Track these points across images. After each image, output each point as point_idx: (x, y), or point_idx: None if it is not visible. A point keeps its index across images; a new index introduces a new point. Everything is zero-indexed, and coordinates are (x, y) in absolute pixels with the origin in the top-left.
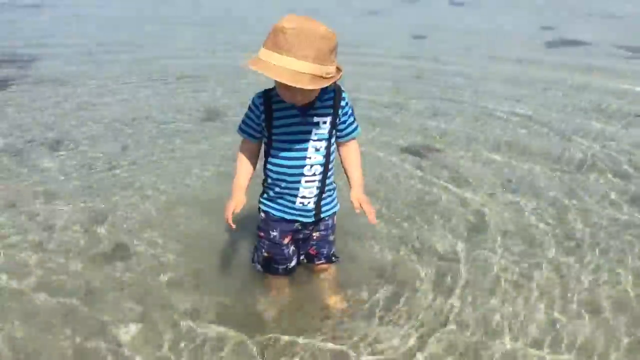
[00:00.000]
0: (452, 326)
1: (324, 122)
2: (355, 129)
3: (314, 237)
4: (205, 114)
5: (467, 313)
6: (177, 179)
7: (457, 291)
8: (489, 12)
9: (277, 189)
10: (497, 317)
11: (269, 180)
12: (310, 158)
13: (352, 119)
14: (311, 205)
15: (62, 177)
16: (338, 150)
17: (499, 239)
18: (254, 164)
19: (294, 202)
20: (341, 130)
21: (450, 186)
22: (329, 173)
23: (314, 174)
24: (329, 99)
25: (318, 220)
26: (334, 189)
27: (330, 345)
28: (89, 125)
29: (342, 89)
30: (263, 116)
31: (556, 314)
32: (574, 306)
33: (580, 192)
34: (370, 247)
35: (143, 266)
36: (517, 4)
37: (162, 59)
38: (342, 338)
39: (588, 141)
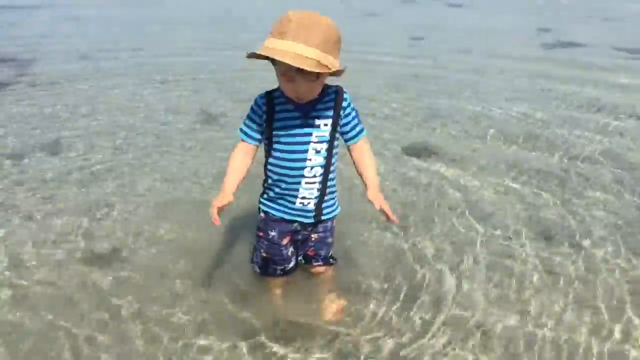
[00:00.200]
0: (450, 328)
1: (325, 124)
2: (362, 130)
3: (313, 239)
4: (203, 116)
5: (466, 314)
6: (175, 181)
7: (456, 293)
8: (486, 13)
9: (277, 190)
10: (498, 320)
11: (270, 181)
12: (310, 160)
13: (356, 120)
14: (311, 206)
15: (59, 179)
16: (350, 154)
17: (500, 241)
18: (246, 167)
19: (294, 203)
20: (347, 133)
21: (448, 187)
22: (331, 175)
23: (315, 176)
24: (329, 100)
25: (317, 221)
26: (335, 192)
27: (326, 347)
28: (86, 127)
29: (345, 90)
30: (265, 116)
31: (558, 309)
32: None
33: (583, 190)
34: (367, 249)
35: (140, 268)
36: (513, 5)
37: (160, 60)
38: (339, 341)
39: (587, 140)
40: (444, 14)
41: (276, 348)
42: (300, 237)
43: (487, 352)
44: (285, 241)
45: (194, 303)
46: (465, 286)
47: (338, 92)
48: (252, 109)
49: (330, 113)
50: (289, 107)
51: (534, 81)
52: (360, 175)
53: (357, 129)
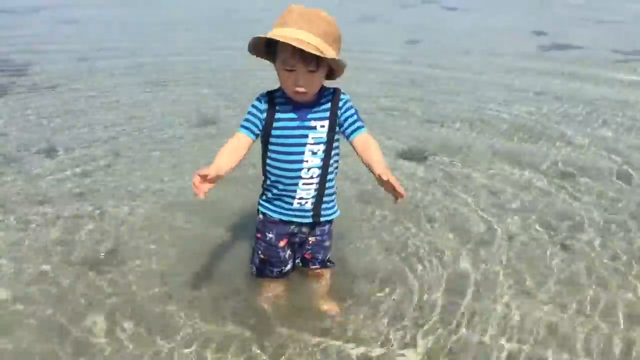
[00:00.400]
0: (449, 329)
1: (322, 126)
2: (362, 126)
3: (310, 242)
4: (201, 118)
5: (466, 315)
6: (172, 183)
7: (455, 295)
8: (484, 14)
9: (275, 191)
10: (498, 321)
11: (268, 182)
12: (307, 161)
13: (355, 117)
14: (309, 206)
15: (56, 182)
16: (355, 150)
17: (498, 243)
18: (236, 158)
19: (291, 204)
20: (346, 129)
21: (446, 190)
22: (329, 176)
23: (312, 177)
24: (326, 101)
25: (315, 223)
26: (335, 194)
27: (323, 350)
28: (84, 129)
29: (343, 91)
30: (265, 115)
31: (554, 319)
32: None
33: (580, 196)
34: (365, 252)
35: (138, 270)
36: (508, 8)
37: (159, 60)
38: (336, 343)
39: (584, 143)
40: (441, 17)
41: (271, 350)
42: (297, 239)
43: (493, 342)
44: (282, 243)
45: (192, 303)
46: (466, 287)
47: (335, 92)
48: (253, 106)
49: (327, 114)
50: (287, 107)
51: (532, 82)
52: (367, 163)
53: (356, 124)
